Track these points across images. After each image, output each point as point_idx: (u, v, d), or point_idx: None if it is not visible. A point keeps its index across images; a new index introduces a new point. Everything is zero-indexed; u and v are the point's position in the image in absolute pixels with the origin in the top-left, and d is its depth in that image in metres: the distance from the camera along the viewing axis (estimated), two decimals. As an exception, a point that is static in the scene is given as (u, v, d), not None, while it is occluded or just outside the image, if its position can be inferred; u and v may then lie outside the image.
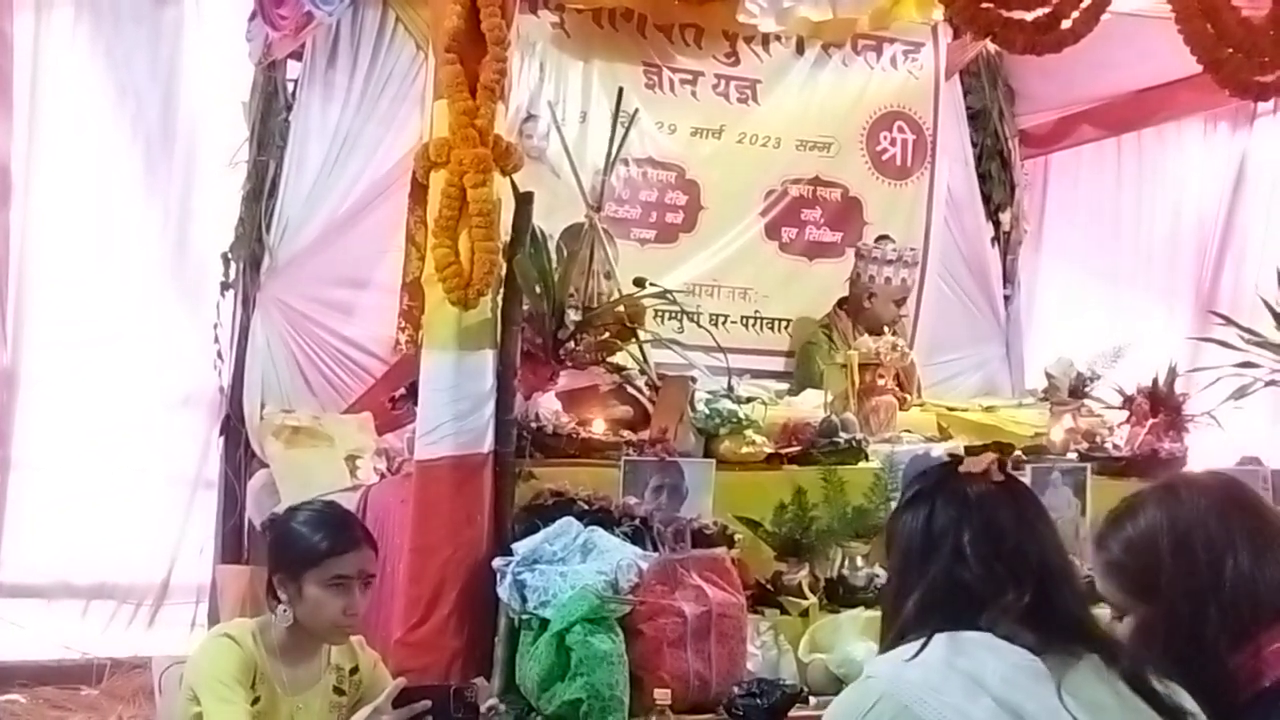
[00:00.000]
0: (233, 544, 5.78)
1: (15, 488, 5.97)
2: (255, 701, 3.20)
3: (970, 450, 2.17)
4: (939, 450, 4.70)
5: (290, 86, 5.84)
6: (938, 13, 5.70)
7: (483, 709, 3.17)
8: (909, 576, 2.03)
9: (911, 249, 6.15)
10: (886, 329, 5.88)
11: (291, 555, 3.32)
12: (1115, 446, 5.02)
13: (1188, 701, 1.91)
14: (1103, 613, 2.15)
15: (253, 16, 5.69)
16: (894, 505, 4.41)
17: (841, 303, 6.04)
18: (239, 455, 5.80)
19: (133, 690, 5.66)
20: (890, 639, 2.00)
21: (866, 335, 5.72)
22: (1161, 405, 5.14)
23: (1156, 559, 2.09)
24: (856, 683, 1.98)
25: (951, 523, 2.00)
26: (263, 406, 5.65)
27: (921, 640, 1.90)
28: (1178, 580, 2.06)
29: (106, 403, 6.08)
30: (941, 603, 1.96)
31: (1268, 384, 5.26)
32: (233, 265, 5.89)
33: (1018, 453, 4.56)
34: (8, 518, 5.96)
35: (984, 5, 4.26)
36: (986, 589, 1.93)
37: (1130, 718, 1.86)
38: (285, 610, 3.29)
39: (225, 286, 5.92)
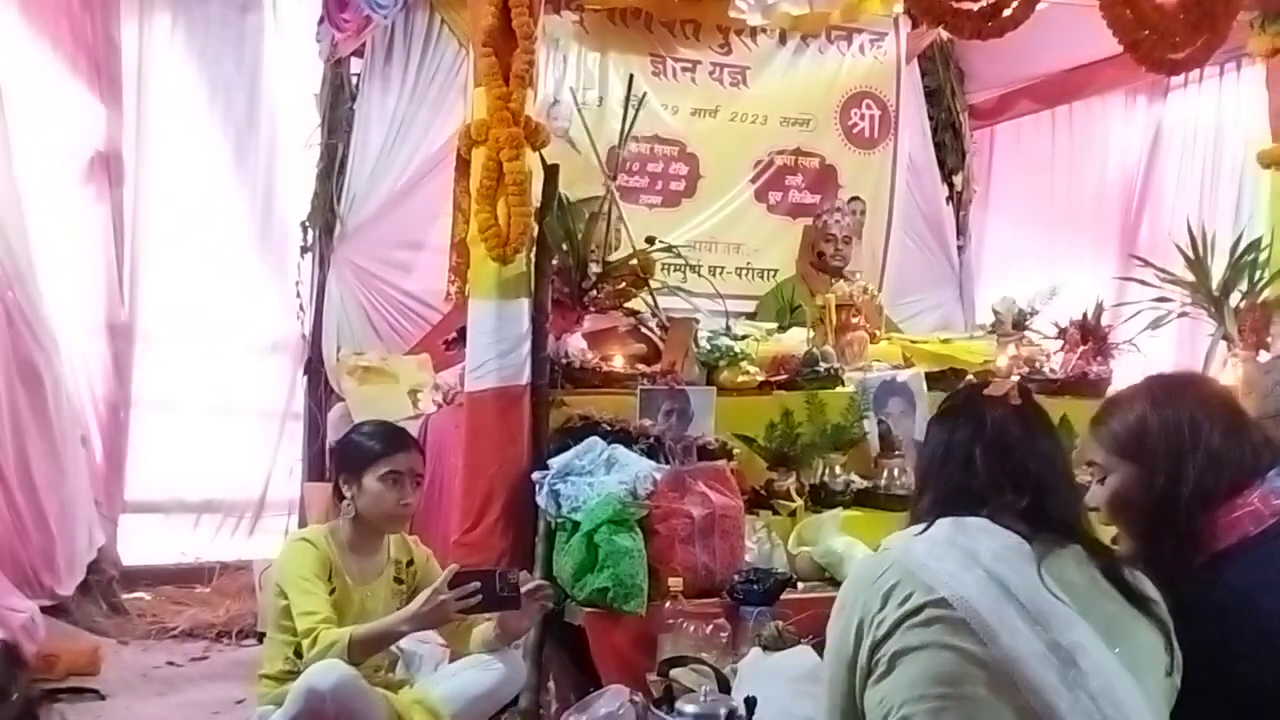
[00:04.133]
0: (317, 465, 5.81)
1: (136, 422, 6.00)
2: (332, 592, 3.22)
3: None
4: (904, 376, 4.69)
5: (354, 80, 5.83)
6: (898, 6, 5.63)
7: (530, 586, 3.20)
8: (929, 477, 2.07)
9: (852, 199, 6.12)
10: (843, 273, 5.78)
11: (353, 457, 3.35)
12: (1051, 370, 4.99)
13: (1151, 590, 1.92)
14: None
15: (321, 20, 5.67)
16: (866, 422, 4.49)
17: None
18: (320, 391, 5.84)
19: (238, 588, 5.70)
20: (908, 525, 2.02)
21: (835, 280, 5.63)
22: (1090, 335, 5.11)
23: (1144, 427, 2.11)
24: (874, 553, 2.03)
25: (968, 437, 2.02)
26: (338, 350, 5.67)
27: (928, 522, 1.93)
28: (1162, 444, 2.08)
29: (209, 350, 6.11)
30: (952, 500, 1.98)
31: (1179, 315, 5.22)
32: (310, 232, 5.91)
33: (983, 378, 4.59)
34: (131, 447, 5.99)
35: (936, -2, 4.22)
36: (989, 493, 1.95)
37: (1099, 599, 1.87)
38: (349, 505, 3.31)
39: (304, 250, 5.94)
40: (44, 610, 4.73)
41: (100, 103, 5.78)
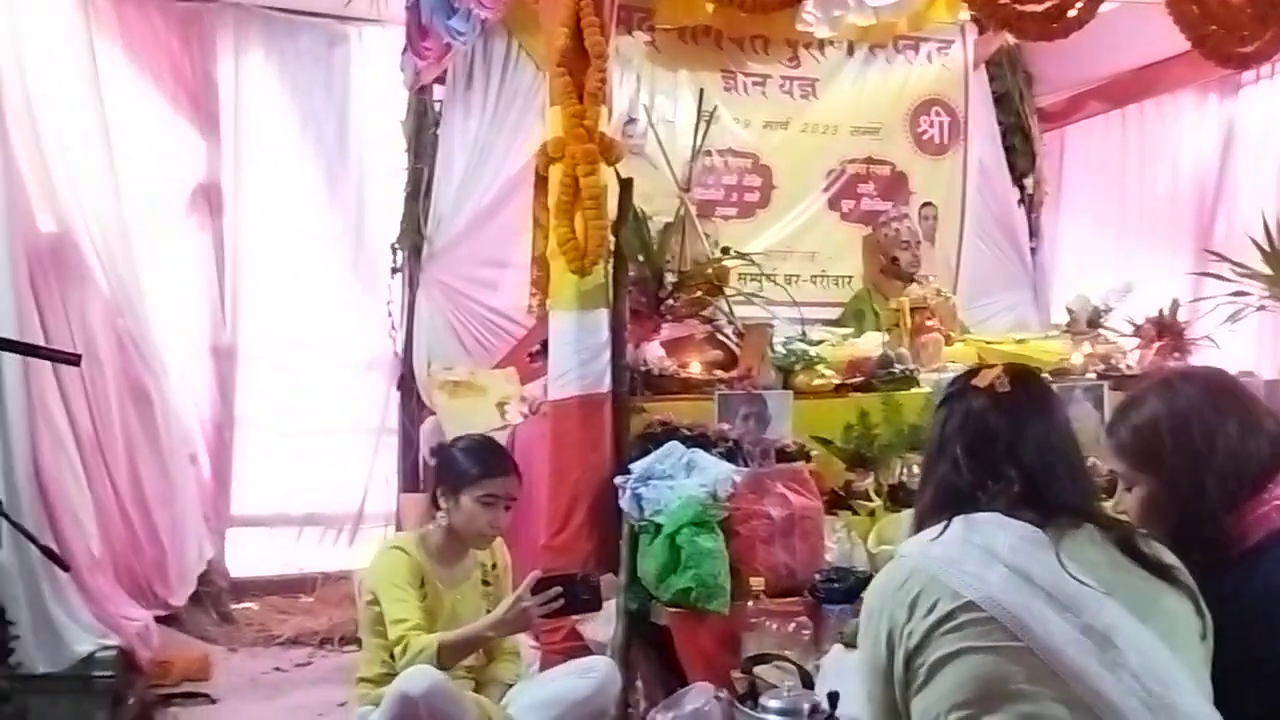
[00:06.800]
0: (411, 477, 5.85)
1: (240, 441, 6.11)
2: (424, 598, 3.24)
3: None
4: (979, 376, 4.61)
5: (437, 106, 5.85)
6: (964, 13, 5.57)
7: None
8: (927, 473, 2.00)
9: (924, 205, 6.08)
10: (916, 277, 5.68)
11: (453, 474, 3.35)
12: (1128, 367, 4.89)
13: (1171, 558, 1.85)
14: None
15: (404, 50, 5.71)
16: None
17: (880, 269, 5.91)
18: (412, 406, 5.88)
19: (339, 597, 5.77)
20: (914, 527, 1.97)
21: (909, 285, 5.55)
22: (1166, 331, 5.00)
23: (1159, 439, 2.03)
24: (891, 562, 1.93)
25: (956, 429, 1.95)
26: (429, 366, 5.70)
27: (943, 524, 1.86)
28: (1178, 455, 2.00)
29: (308, 369, 6.18)
30: (947, 499, 1.91)
31: (1258, 309, 5.08)
32: (399, 254, 5.94)
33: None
34: (236, 464, 6.10)
35: (1001, 1, 4.15)
36: (975, 486, 1.88)
37: (1120, 573, 1.80)
38: (443, 516, 3.33)
39: (394, 271, 5.97)
40: (158, 620, 4.84)
41: (200, 137, 5.92)
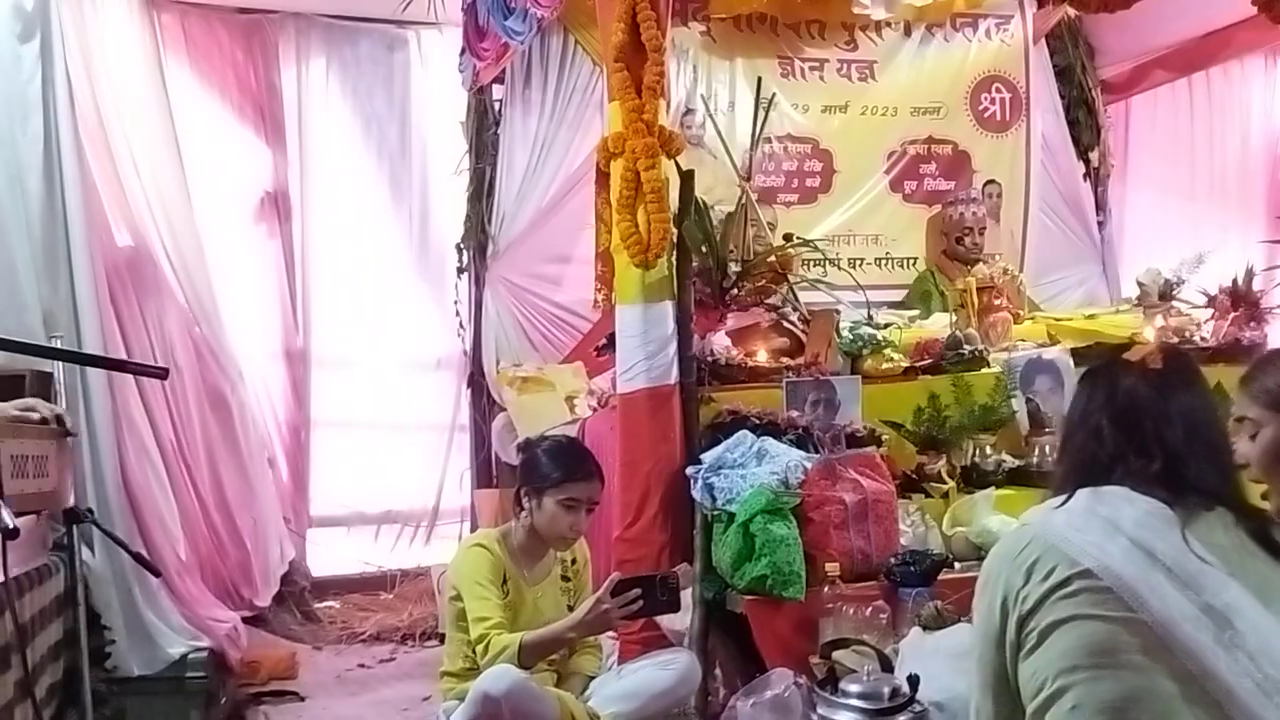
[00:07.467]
0: (484, 473, 5.92)
1: (316, 442, 6.20)
2: (506, 595, 3.29)
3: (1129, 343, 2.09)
4: (1050, 354, 4.58)
5: (496, 105, 5.90)
6: (1022, -14, 5.49)
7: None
8: (1065, 445, 2.01)
9: (987, 183, 6.02)
10: (980, 259, 5.63)
11: (537, 475, 3.39)
12: (1202, 338, 4.80)
13: None
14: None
15: (462, 52, 5.76)
16: (1014, 401, 4.39)
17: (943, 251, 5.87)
18: (483, 403, 5.94)
19: (418, 593, 5.85)
20: (1050, 495, 1.97)
21: (969, 266, 5.51)
22: (1241, 301, 4.90)
23: None
24: (1014, 528, 1.94)
25: (1099, 405, 1.96)
26: (498, 363, 5.75)
27: (1067, 494, 1.88)
28: None
29: (379, 370, 6.26)
30: (1082, 470, 1.92)
31: (1335, 275, 4.98)
32: (464, 253, 6.00)
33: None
34: (313, 466, 6.20)
35: (1060, -26, 4.10)
36: (1115, 463, 1.89)
37: (1246, 559, 1.79)
38: (525, 516, 3.37)
39: (460, 270, 6.03)
40: (244, 621, 4.94)
41: (266, 145, 6.02)
